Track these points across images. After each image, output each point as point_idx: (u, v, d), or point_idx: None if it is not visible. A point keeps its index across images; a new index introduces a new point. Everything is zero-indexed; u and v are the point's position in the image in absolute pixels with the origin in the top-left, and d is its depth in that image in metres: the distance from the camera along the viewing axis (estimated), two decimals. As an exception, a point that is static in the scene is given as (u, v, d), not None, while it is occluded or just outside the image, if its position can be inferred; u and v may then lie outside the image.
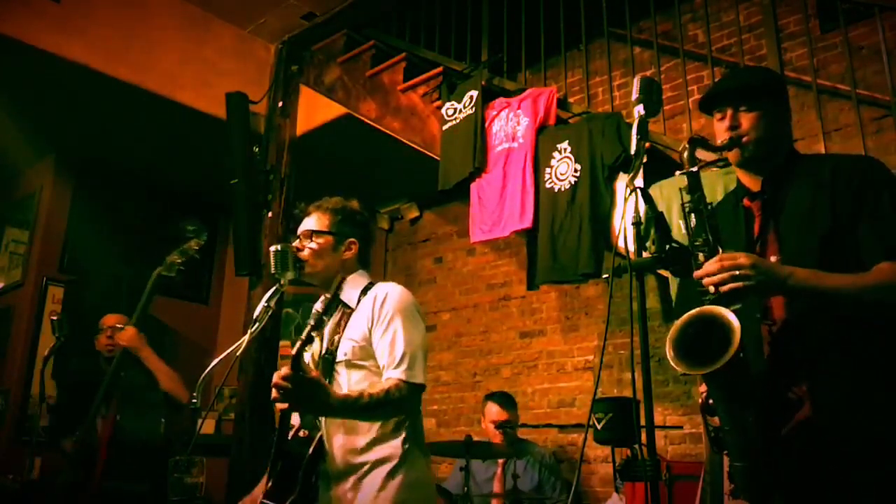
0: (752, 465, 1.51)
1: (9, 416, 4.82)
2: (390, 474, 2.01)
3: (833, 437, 1.53)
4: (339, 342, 2.10)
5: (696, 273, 1.57)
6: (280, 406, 1.86)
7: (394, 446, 2.03)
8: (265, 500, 1.96)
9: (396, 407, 2.01)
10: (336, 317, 2.17)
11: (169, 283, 3.26)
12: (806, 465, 1.54)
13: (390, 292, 2.10)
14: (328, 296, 2.04)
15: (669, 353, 1.51)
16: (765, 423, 1.53)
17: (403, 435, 2.05)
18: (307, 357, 2.18)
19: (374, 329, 2.05)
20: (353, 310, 2.13)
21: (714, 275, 1.53)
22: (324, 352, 2.12)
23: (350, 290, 2.16)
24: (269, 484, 1.99)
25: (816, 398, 1.55)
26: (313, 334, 1.84)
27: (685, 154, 1.68)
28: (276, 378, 1.81)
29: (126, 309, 3.73)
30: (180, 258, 3.18)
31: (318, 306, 2.12)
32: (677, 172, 1.70)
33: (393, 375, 1.99)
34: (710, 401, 1.59)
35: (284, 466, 2.01)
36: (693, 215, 1.65)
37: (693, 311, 1.54)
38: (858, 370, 1.55)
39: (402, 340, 2.02)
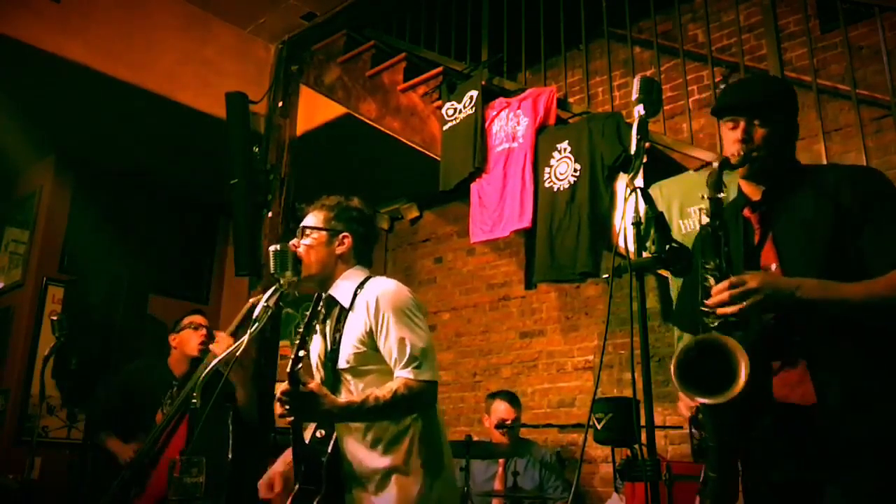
0: (722, 480, 1.64)
1: (9, 416, 4.82)
2: (400, 482, 2.00)
3: (833, 435, 1.54)
4: (339, 343, 2.08)
5: (708, 301, 1.60)
6: (287, 419, 1.88)
7: (402, 451, 2.02)
8: None
9: (407, 407, 1.99)
10: (335, 314, 2.15)
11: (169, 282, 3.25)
12: (802, 463, 1.57)
13: (382, 294, 2.04)
14: (323, 295, 2.07)
15: (674, 377, 1.56)
16: (746, 422, 1.61)
17: (410, 437, 2.03)
18: (314, 358, 2.18)
19: (376, 336, 2.02)
20: (349, 308, 2.10)
21: (726, 304, 1.56)
22: (328, 352, 2.11)
23: (344, 287, 2.14)
24: (296, 487, 2.01)
25: (818, 393, 1.57)
26: (304, 344, 1.85)
27: (711, 179, 1.67)
28: (277, 394, 1.85)
29: (125, 309, 3.73)
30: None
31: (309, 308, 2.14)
32: (704, 196, 1.69)
33: (401, 375, 1.97)
34: (700, 416, 1.71)
35: (307, 469, 2.02)
36: (708, 239, 1.66)
37: (700, 337, 1.59)
38: (859, 367, 1.57)
39: (406, 340, 1.99)
